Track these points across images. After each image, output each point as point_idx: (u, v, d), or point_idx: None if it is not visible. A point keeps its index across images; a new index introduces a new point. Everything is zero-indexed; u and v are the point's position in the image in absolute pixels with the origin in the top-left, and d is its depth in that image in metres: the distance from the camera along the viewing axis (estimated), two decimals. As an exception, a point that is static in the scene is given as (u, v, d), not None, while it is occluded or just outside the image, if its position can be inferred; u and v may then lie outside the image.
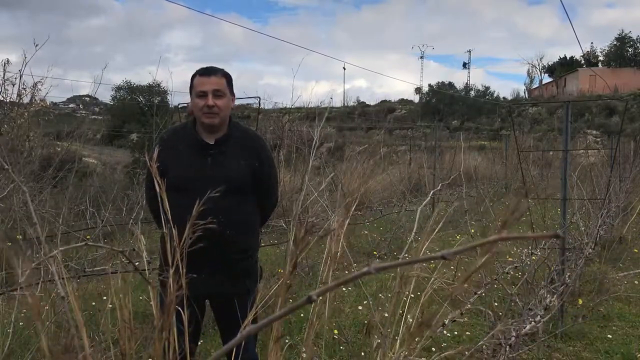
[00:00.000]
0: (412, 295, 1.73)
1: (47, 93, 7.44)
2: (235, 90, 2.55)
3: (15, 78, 6.60)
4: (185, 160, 2.41)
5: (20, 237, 4.67)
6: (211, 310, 2.73)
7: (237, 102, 2.71)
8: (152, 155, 1.65)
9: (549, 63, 54.17)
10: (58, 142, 9.65)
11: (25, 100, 6.99)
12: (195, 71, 2.47)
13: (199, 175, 2.37)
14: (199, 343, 3.05)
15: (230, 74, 2.53)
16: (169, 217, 1.41)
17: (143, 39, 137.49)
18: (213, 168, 2.40)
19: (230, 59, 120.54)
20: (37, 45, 5.68)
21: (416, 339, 1.39)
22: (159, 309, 1.19)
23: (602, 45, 72.36)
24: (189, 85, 2.52)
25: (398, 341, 1.50)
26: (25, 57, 5.90)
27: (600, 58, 49.42)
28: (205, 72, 2.44)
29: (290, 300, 2.35)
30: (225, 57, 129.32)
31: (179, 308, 1.37)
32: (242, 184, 2.44)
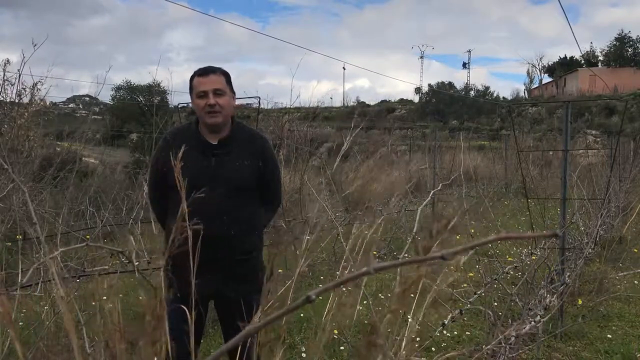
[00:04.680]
0: (413, 295, 1.72)
1: (46, 93, 7.43)
2: (236, 90, 2.55)
3: (15, 78, 6.59)
4: (190, 161, 2.41)
5: (20, 237, 4.67)
6: (212, 310, 2.73)
7: (237, 102, 2.71)
8: (155, 156, 1.65)
9: (549, 63, 54.26)
10: (58, 142, 9.66)
11: (25, 100, 6.99)
12: (193, 72, 2.46)
13: (204, 176, 2.37)
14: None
15: (232, 74, 2.52)
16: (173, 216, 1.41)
17: (145, 39, 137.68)
18: (217, 168, 2.40)
19: (232, 58, 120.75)
20: (35, 45, 5.65)
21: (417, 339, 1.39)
22: (151, 309, 1.19)
23: (602, 45, 72.34)
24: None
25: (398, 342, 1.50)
26: (24, 57, 5.88)
27: (600, 58, 49.46)
28: (204, 72, 2.43)
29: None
30: (227, 57, 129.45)
31: (180, 308, 1.36)
32: (246, 184, 2.44)
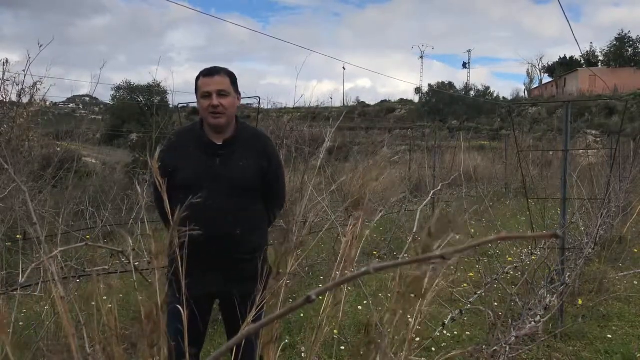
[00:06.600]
0: (413, 295, 1.72)
1: (46, 92, 7.42)
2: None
3: (16, 78, 6.58)
4: (194, 161, 2.42)
5: (20, 237, 4.67)
6: (216, 310, 2.72)
7: (238, 102, 2.71)
8: (158, 156, 1.65)
9: (549, 63, 54.30)
10: (58, 142, 9.65)
11: (25, 100, 6.97)
12: (199, 72, 2.47)
13: (208, 176, 2.38)
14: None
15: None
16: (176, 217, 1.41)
17: (147, 39, 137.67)
18: (222, 168, 2.41)
19: (233, 58, 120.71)
20: (41, 45, 5.66)
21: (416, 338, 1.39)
22: (148, 309, 1.19)
23: (603, 45, 72.33)
24: (191, 84, 2.52)
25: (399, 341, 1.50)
26: (30, 57, 5.87)
27: (600, 58, 49.47)
28: (209, 72, 2.44)
29: (290, 300, 2.35)
30: (227, 57, 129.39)
31: (179, 307, 1.36)
32: (250, 184, 2.45)
